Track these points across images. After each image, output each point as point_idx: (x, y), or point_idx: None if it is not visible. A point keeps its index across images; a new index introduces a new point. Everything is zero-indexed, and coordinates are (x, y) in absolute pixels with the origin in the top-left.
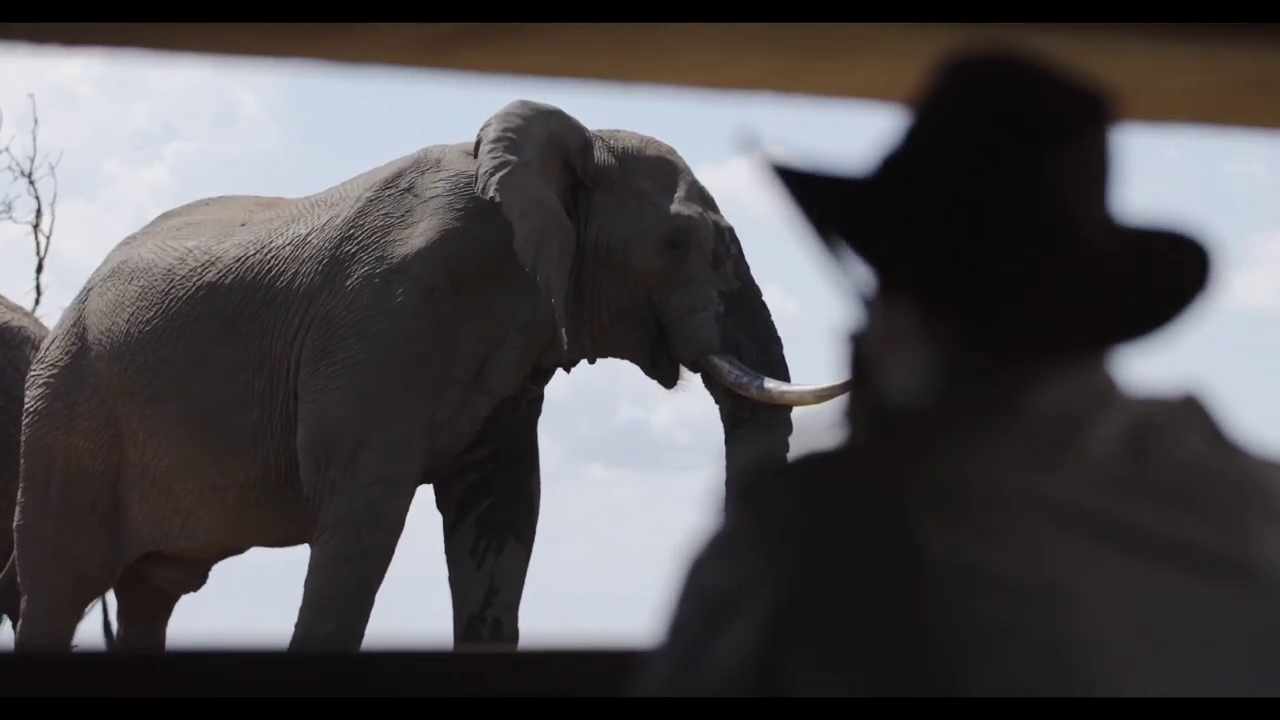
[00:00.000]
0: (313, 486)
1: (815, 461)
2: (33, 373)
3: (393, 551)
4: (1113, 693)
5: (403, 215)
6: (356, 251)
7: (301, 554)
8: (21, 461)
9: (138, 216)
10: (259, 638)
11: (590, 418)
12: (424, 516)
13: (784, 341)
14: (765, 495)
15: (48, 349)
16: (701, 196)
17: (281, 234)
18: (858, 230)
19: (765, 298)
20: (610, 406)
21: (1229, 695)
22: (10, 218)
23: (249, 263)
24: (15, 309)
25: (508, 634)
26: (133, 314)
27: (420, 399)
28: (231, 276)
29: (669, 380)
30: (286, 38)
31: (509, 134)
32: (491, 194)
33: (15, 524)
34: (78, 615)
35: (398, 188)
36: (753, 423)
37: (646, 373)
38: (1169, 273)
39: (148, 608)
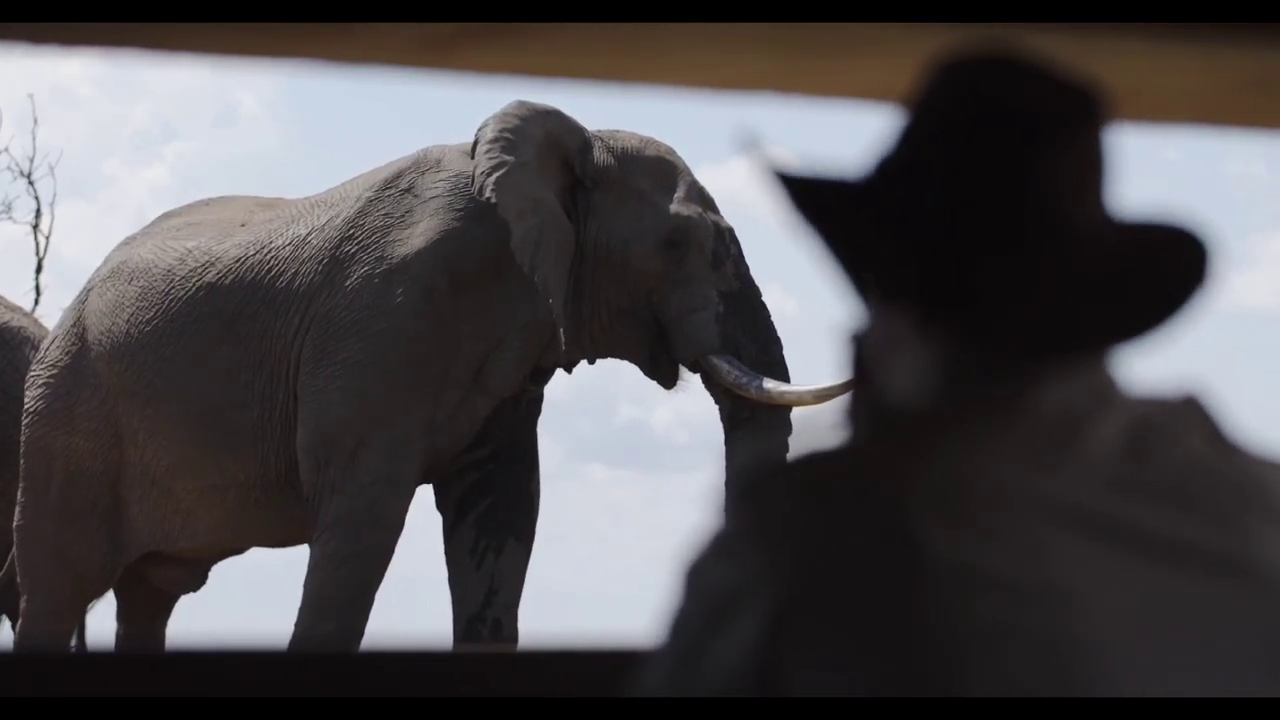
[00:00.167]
0: (312, 486)
1: (816, 461)
2: (33, 373)
3: (392, 551)
4: (1112, 693)
5: (402, 215)
6: (356, 251)
7: (301, 554)
8: (21, 461)
9: (137, 216)
10: (259, 638)
11: (590, 418)
12: (424, 516)
13: (784, 342)
14: (766, 495)
15: (48, 349)
16: (701, 196)
17: (281, 234)
18: (852, 238)
19: (765, 298)
20: (610, 406)
21: (1229, 695)
22: (10, 218)
23: (249, 263)
24: (15, 309)
25: (507, 634)
26: (133, 314)
27: (420, 399)
28: (231, 277)
29: (669, 380)
30: (286, 38)
31: (506, 134)
32: (488, 194)
33: (15, 524)
34: (77, 615)
35: (397, 188)
36: (752, 423)
37: (646, 373)
38: (1167, 269)
39: (147, 608)
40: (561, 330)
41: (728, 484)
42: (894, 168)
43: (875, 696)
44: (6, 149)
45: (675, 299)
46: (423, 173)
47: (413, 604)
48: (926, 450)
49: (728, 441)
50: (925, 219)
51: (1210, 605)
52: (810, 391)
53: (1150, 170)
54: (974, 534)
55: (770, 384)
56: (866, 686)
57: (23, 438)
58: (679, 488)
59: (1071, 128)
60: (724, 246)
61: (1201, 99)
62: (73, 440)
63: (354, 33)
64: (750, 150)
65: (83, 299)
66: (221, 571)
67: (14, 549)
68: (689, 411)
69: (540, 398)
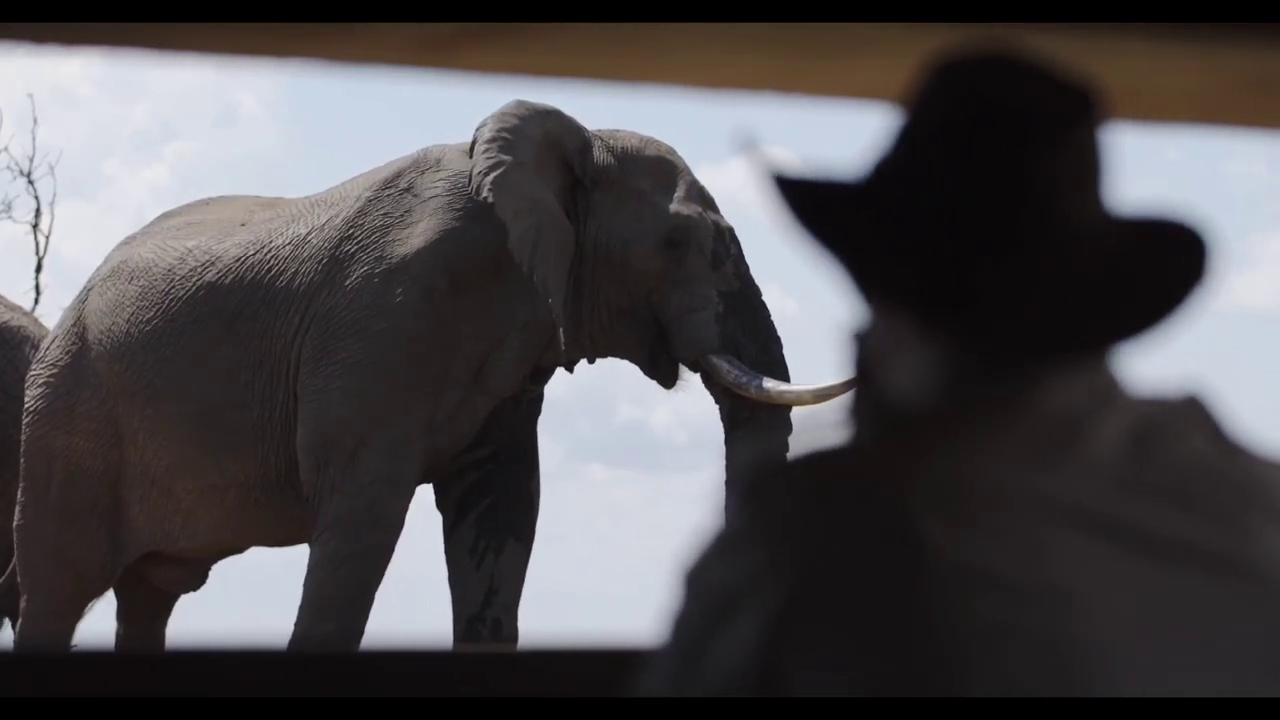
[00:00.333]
0: (312, 486)
1: (817, 461)
2: (33, 372)
3: (392, 551)
4: (1113, 693)
5: (402, 215)
6: (356, 251)
7: (301, 554)
8: (22, 461)
9: (137, 216)
10: (259, 638)
11: (590, 418)
12: (424, 516)
13: (784, 341)
14: (767, 494)
15: (48, 348)
16: (701, 196)
17: (281, 234)
18: (850, 241)
19: (765, 297)
20: (610, 406)
21: (1230, 695)
22: (10, 217)
23: (249, 262)
24: (15, 309)
25: (507, 634)
26: (133, 314)
27: (420, 399)
28: (231, 276)
29: (668, 380)
30: (286, 38)
31: (504, 134)
32: (485, 194)
33: (15, 523)
34: (77, 615)
35: (397, 188)
36: (752, 423)
37: (646, 373)
38: (1166, 266)
39: (147, 607)
40: (561, 330)
41: (728, 483)
42: (890, 169)
43: (876, 696)
44: (6, 148)
45: (675, 299)
46: (422, 172)
47: (413, 604)
48: (928, 450)
49: (727, 441)
50: (922, 221)
51: (1211, 605)
52: (810, 391)
53: (1150, 170)
54: (975, 534)
55: (770, 384)
56: (868, 686)
57: (23, 437)
58: (679, 488)
59: (1068, 127)
60: (724, 246)
61: (1201, 99)
62: (73, 440)
63: (354, 33)
64: (749, 152)
65: (83, 298)
66: (221, 571)
67: (14, 549)
68: (689, 411)
69: (540, 397)
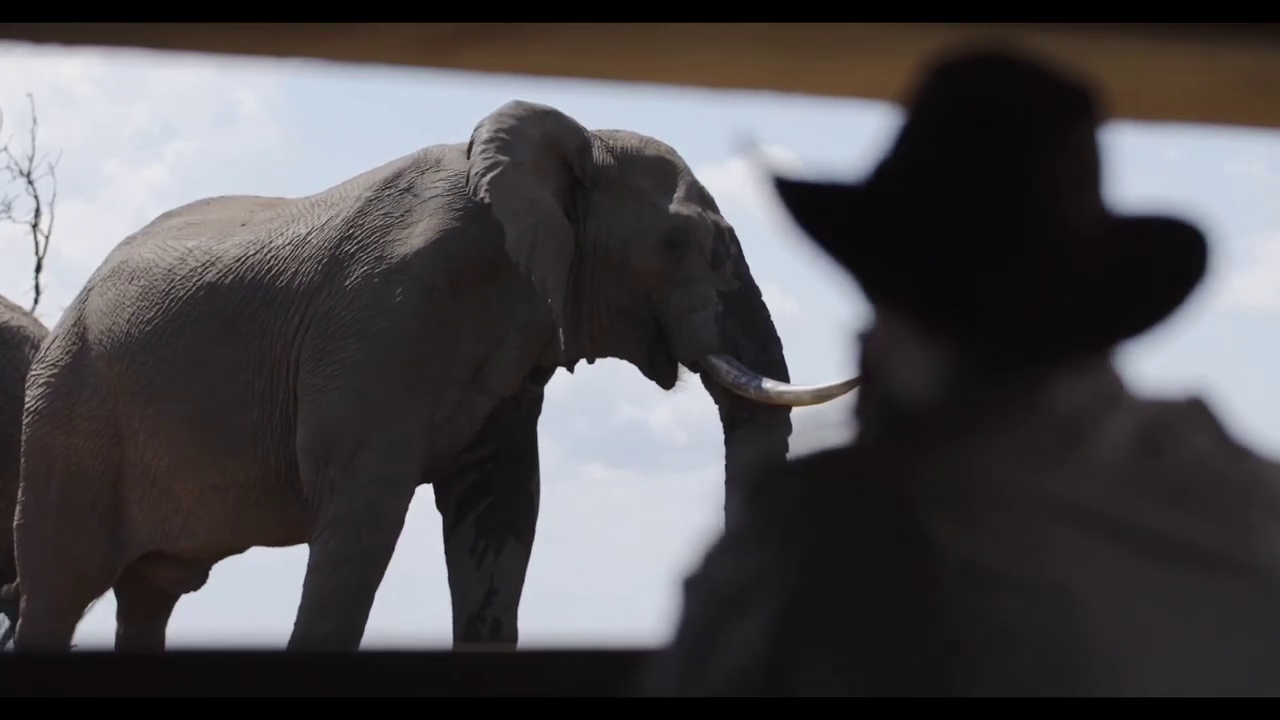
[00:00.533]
0: (312, 486)
1: (823, 460)
2: (33, 372)
3: (392, 551)
4: (1117, 692)
5: (402, 215)
6: (356, 251)
7: (301, 553)
8: (22, 461)
9: (137, 216)
10: (259, 637)
11: (589, 417)
12: (424, 516)
13: (783, 342)
14: (773, 493)
15: (48, 348)
16: (701, 196)
17: (281, 234)
18: (848, 246)
19: (765, 298)
20: (609, 406)
21: (1232, 695)
22: (9, 217)
23: (249, 262)
24: (14, 308)
25: (507, 633)
26: (133, 314)
27: (420, 399)
28: (231, 276)
29: (667, 381)
30: (286, 38)
31: (501, 134)
32: (482, 195)
33: (15, 523)
34: (77, 615)
35: (397, 187)
36: (751, 423)
37: (645, 373)
38: (1168, 264)
39: (148, 607)
40: (561, 330)
41: (730, 483)
42: (890, 171)
43: (883, 696)
44: (6, 148)
45: (675, 299)
46: (422, 172)
47: (413, 603)
48: (933, 450)
49: (727, 441)
50: (922, 222)
51: (1215, 605)
52: (809, 391)
53: (1150, 170)
54: (980, 533)
55: (769, 384)
56: (874, 685)
57: (23, 437)
58: (678, 488)
59: (1068, 126)
60: (724, 246)
61: (1201, 99)
62: (73, 440)
63: (354, 32)
64: (748, 152)
65: (83, 298)
66: (222, 571)
67: (14, 548)
68: (688, 411)
69: (540, 397)
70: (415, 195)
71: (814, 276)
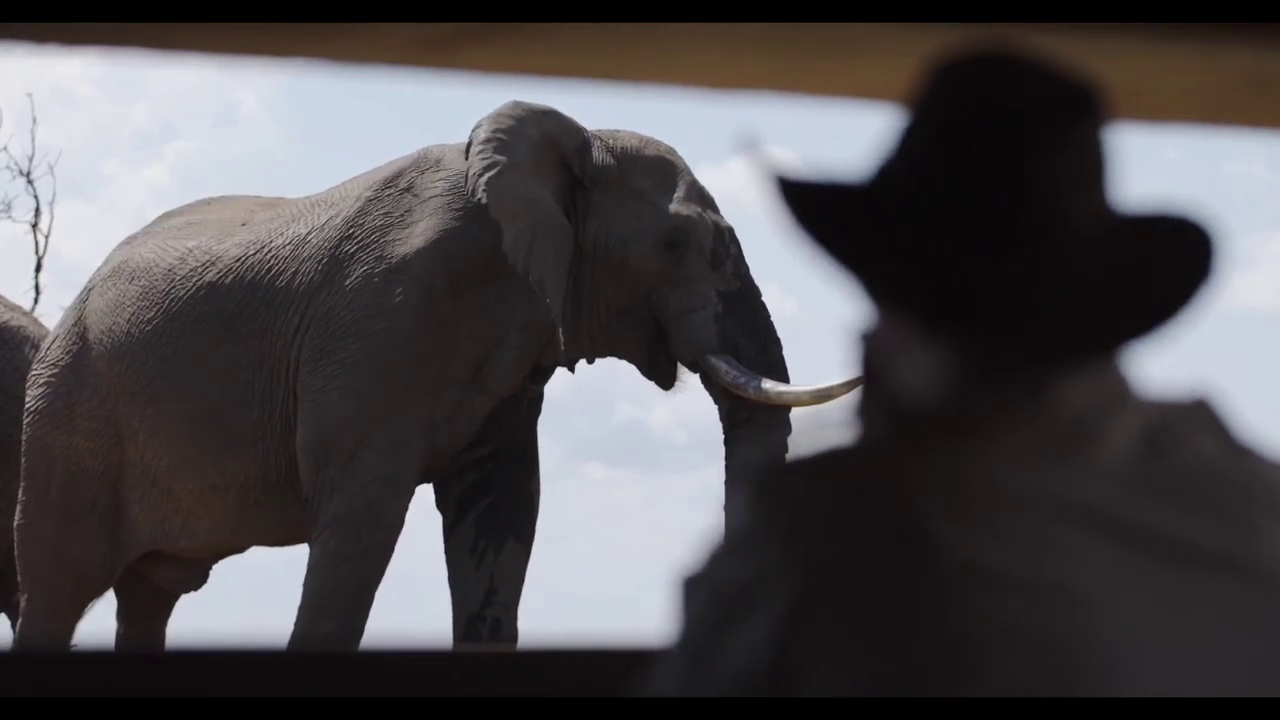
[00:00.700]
0: (312, 486)
1: (827, 460)
2: (34, 372)
3: (392, 551)
4: (1119, 692)
5: (402, 215)
6: (356, 251)
7: (302, 553)
8: (23, 460)
9: (137, 216)
10: (259, 637)
11: (589, 417)
12: (423, 516)
13: (783, 342)
14: (778, 493)
15: (49, 348)
16: (701, 196)
17: (281, 234)
18: (850, 247)
19: (765, 298)
20: (609, 406)
21: (1234, 695)
22: (9, 217)
23: (249, 262)
24: (14, 308)
25: (507, 633)
26: (133, 314)
27: (419, 398)
28: (231, 276)
29: (666, 381)
30: (286, 38)
31: (499, 135)
32: (480, 195)
33: (15, 523)
34: (77, 615)
35: (397, 187)
36: (751, 423)
37: (644, 373)
38: (1172, 263)
39: (148, 607)
40: (560, 330)
41: (733, 483)
42: (892, 171)
43: (887, 696)
44: (5, 148)
45: (674, 299)
46: (422, 172)
47: (412, 603)
48: (937, 450)
49: (726, 442)
50: (923, 223)
51: (1217, 606)
52: (809, 392)
53: (1151, 170)
54: (984, 534)
55: (768, 384)
56: (879, 686)
57: (24, 437)
58: (678, 487)
59: (1070, 126)
60: (723, 246)
61: (1201, 99)
62: (73, 440)
63: (354, 32)
64: (749, 152)
65: (84, 298)
66: (222, 571)
67: (14, 548)
68: (687, 411)
69: (540, 397)
70: (415, 195)
71: (814, 276)
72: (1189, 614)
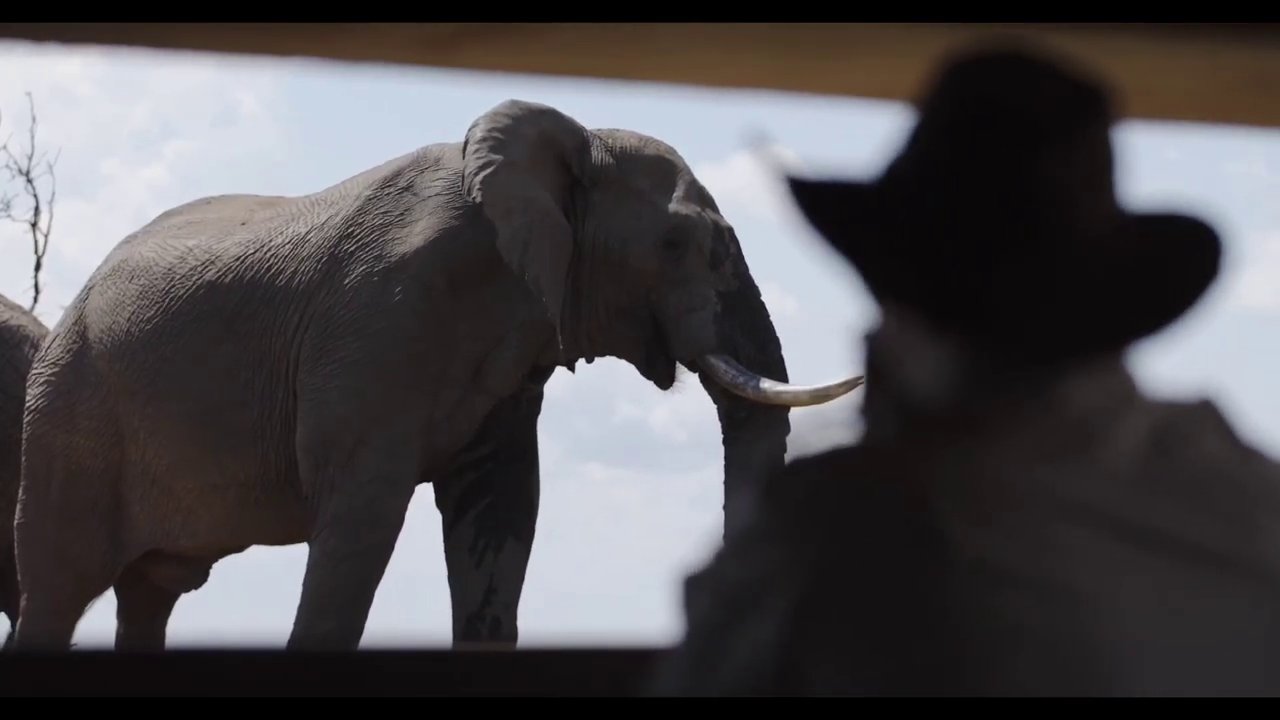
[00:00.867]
0: (311, 485)
1: (835, 457)
2: (34, 371)
3: (391, 550)
4: (1127, 692)
5: (401, 214)
6: (355, 250)
7: (301, 552)
8: (23, 459)
9: (137, 216)
10: (259, 636)
11: (588, 416)
12: (423, 515)
13: (783, 341)
14: (785, 491)
15: (49, 347)
16: (700, 196)
17: (281, 232)
18: (860, 243)
19: (764, 297)
20: (609, 405)
21: (1239, 695)
22: (9, 216)
23: (248, 261)
24: (14, 307)
25: (506, 632)
26: (133, 312)
27: (419, 398)
28: (231, 275)
29: (665, 381)
30: (286, 37)
31: (495, 134)
32: (474, 194)
33: (16, 522)
34: (78, 614)
35: (397, 186)
36: (750, 423)
37: (642, 373)
38: (1180, 263)
39: (148, 606)
40: (558, 329)
41: (727, 484)
42: (901, 170)
43: (893, 695)
44: (5, 147)
45: (673, 298)
46: (422, 171)
47: (412, 602)
48: (945, 448)
49: (725, 441)
50: (931, 223)
51: (1222, 606)
52: (807, 392)
53: (1151, 170)
54: (994, 532)
55: (767, 384)
56: (884, 685)
57: (24, 436)
58: (678, 487)
59: (1079, 126)
60: (723, 246)
61: (1202, 99)
62: (73, 439)
63: (354, 32)
64: (757, 150)
65: (84, 297)
66: (222, 570)
67: (15, 547)
68: (687, 411)
69: (540, 396)
70: (415, 194)
71: (814, 276)
72: (1194, 614)
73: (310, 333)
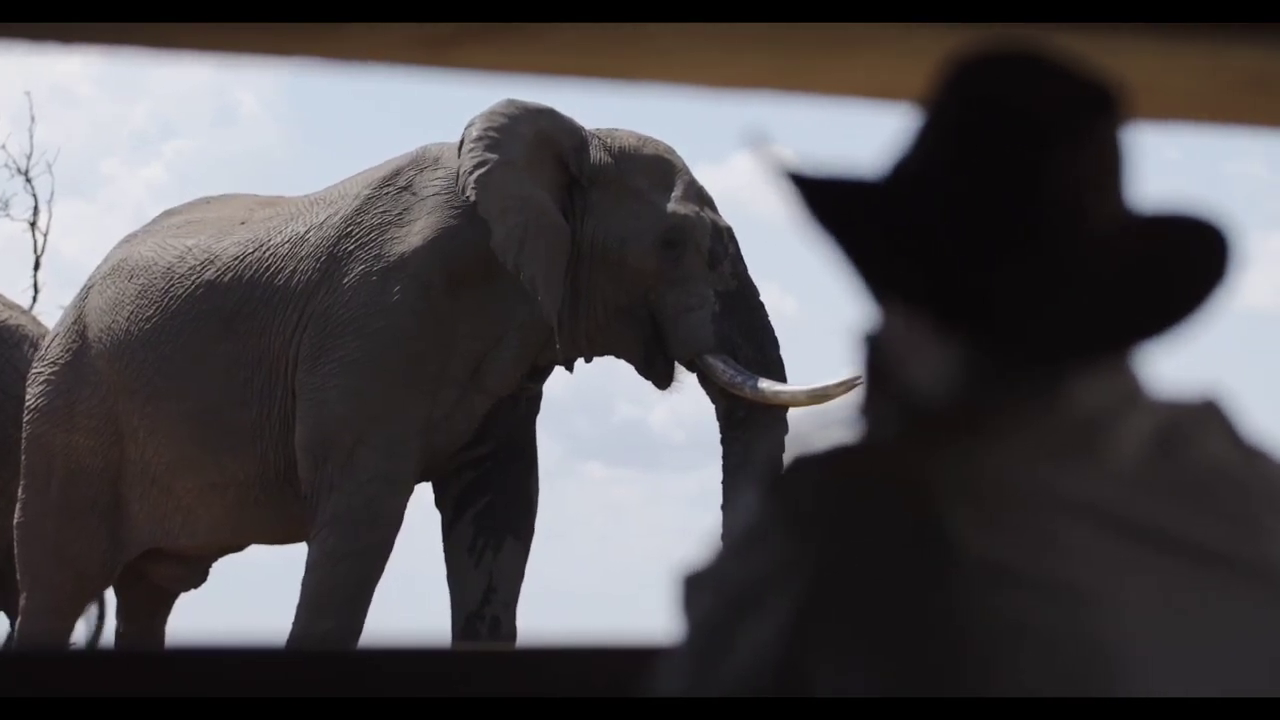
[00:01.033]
0: (310, 484)
1: (839, 456)
2: (34, 370)
3: (390, 549)
4: (1130, 692)
5: (400, 213)
6: (354, 249)
7: (301, 552)
8: (23, 458)
9: (136, 215)
10: (258, 635)
11: (588, 416)
12: (423, 514)
13: (782, 341)
14: (790, 490)
15: (49, 346)
16: (699, 195)
17: (280, 232)
18: (866, 242)
19: (763, 297)
20: (608, 405)
21: (1243, 695)
22: (8, 215)
23: (247, 261)
24: (13, 307)
25: (506, 632)
26: (133, 312)
27: (417, 397)
28: (230, 274)
29: (663, 381)
30: (286, 36)
31: (491, 132)
32: (469, 193)
33: (15, 521)
34: (77, 613)
35: (396, 185)
36: (747, 423)
37: (640, 372)
38: (1186, 264)
39: (147, 605)
40: (555, 328)
41: (725, 483)
42: (908, 170)
43: (897, 695)
44: (4, 146)
45: (671, 298)
46: (421, 170)
47: (411, 602)
48: (949, 447)
49: (723, 441)
50: (938, 222)
51: (1226, 606)
52: (805, 391)
53: (1151, 170)
54: (995, 531)
55: (765, 384)
56: (888, 685)
57: (24, 435)
58: (677, 486)
59: (1086, 126)
60: (721, 245)
61: (1202, 98)
62: (73, 438)
63: (354, 31)
64: (757, 150)
65: (84, 296)
66: (221, 569)
67: (14, 546)
68: (686, 410)
69: (539, 396)
70: (413, 193)
71: (813, 276)
72: (1196, 614)
73: (309, 332)
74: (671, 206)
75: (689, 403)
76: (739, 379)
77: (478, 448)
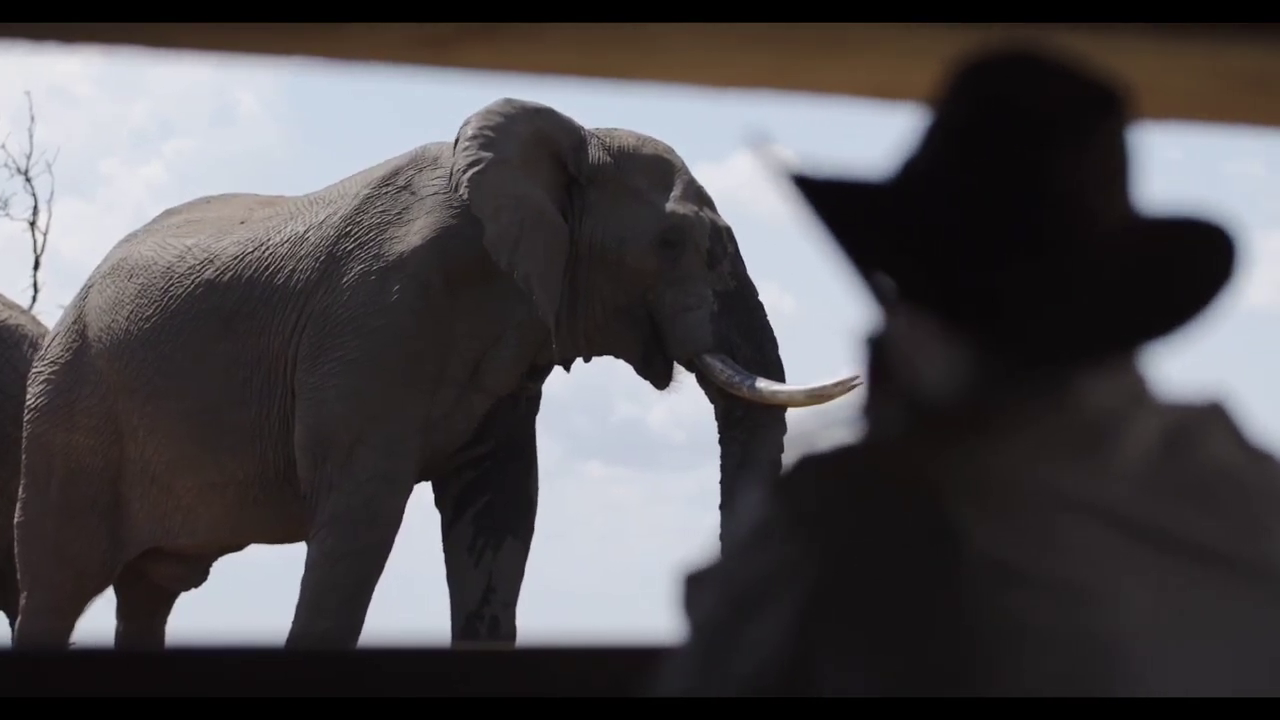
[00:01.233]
0: (310, 484)
1: (845, 454)
2: (34, 369)
3: (390, 549)
4: (1135, 692)
5: (400, 213)
6: (353, 249)
7: (301, 551)
8: (23, 458)
9: (136, 215)
10: (258, 635)
11: (587, 415)
12: (422, 514)
13: (781, 341)
14: (795, 488)
15: (49, 346)
16: (698, 195)
17: (279, 231)
18: (872, 243)
19: (762, 297)
20: (607, 404)
21: (1247, 695)
22: (7, 214)
23: (247, 260)
24: (12, 307)
25: (505, 631)
26: (132, 311)
27: (416, 396)
28: (230, 274)
29: (661, 381)
30: (286, 36)
31: (486, 131)
32: (462, 191)
33: (15, 520)
34: (77, 613)
35: (395, 185)
36: (746, 422)
37: (639, 372)
38: (1193, 265)
39: (147, 605)
40: (551, 327)
41: (724, 483)
42: (914, 170)
43: (902, 694)
44: (3, 146)
45: (670, 297)
46: (420, 170)
47: (411, 601)
48: (955, 446)
49: (722, 441)
50: (945, 223)
51: (1232, 607)
52: (803, 391)
53: (1152, 169)
54: (1001, 530)
55: (763, 383)
56: (893, 684)
57: (24, 434)
58: (676, 486)
59: (1092, 126)
60: (720, 245)
61: (1202, 98)
62: (73, 437)
63: (354, 31)
64: (757, 150)
65: (83, 295)
66: (221, 568)
67: (14, 545)
68: (686, 410)
69: (539, 395)
70: (413, 193)
71: (812, 275)
72: (1201, 614)
73: (308, 331)
74: (670, 206)
75: (688, 402)
76: (737, 379)
77: (477, 447)
